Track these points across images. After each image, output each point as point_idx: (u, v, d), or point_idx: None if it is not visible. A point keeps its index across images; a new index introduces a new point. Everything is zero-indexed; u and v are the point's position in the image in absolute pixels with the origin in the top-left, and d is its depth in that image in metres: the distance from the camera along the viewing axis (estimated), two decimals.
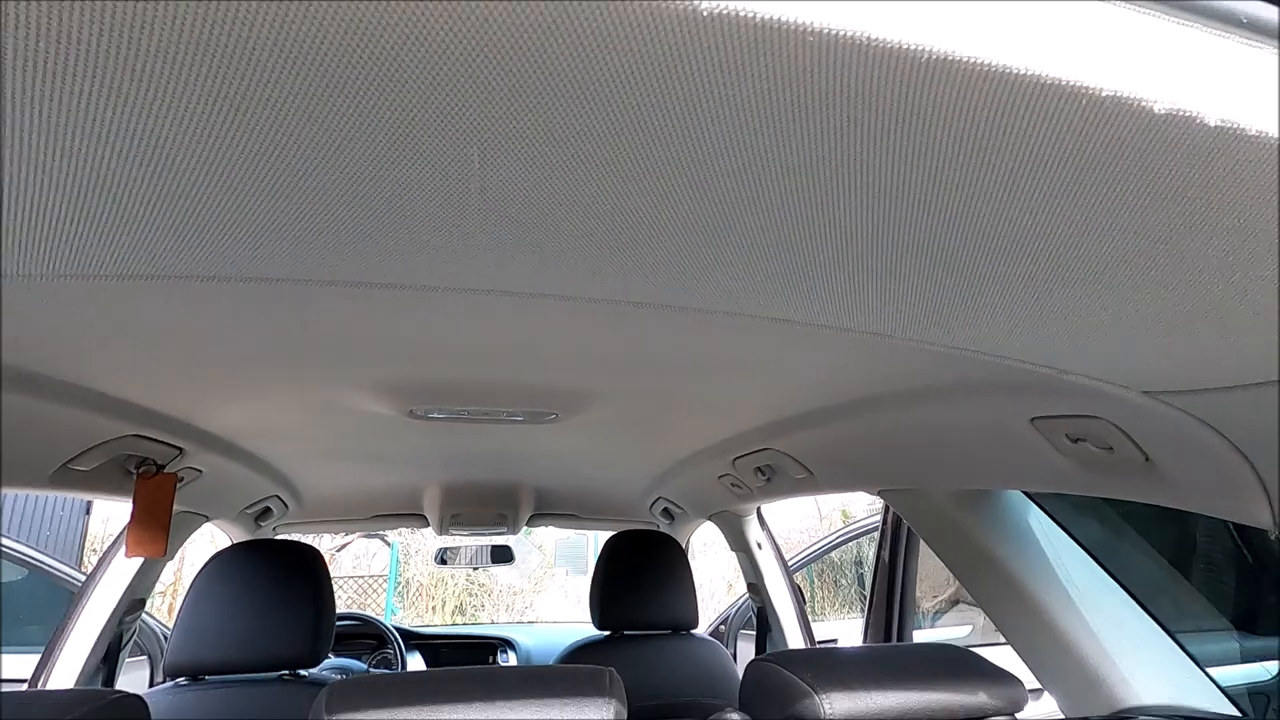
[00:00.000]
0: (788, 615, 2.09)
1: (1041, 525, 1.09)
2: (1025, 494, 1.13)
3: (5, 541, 2.45)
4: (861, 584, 7.04)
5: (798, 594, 2.11)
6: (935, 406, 0.95)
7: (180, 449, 1.31)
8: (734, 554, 2.19)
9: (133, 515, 1.30)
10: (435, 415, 1.22)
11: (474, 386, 1.08)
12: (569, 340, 0.85)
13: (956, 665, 0.81)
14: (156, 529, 1.32)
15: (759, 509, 2.06)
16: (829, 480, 1.36)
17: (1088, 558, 1.05)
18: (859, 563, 6.95)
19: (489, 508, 2.34)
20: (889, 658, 0.86)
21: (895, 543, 1.92)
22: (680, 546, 1.96)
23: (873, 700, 0.74)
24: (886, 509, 1.94)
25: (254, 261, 0.56)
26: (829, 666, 0.79)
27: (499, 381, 1.05)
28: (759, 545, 2.08)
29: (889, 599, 1.92)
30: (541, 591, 8.97)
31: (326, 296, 0.66)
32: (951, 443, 0.99)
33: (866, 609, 2.01)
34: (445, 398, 1.13)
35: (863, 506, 9.06)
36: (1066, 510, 1.12)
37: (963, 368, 0.80)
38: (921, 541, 1.96)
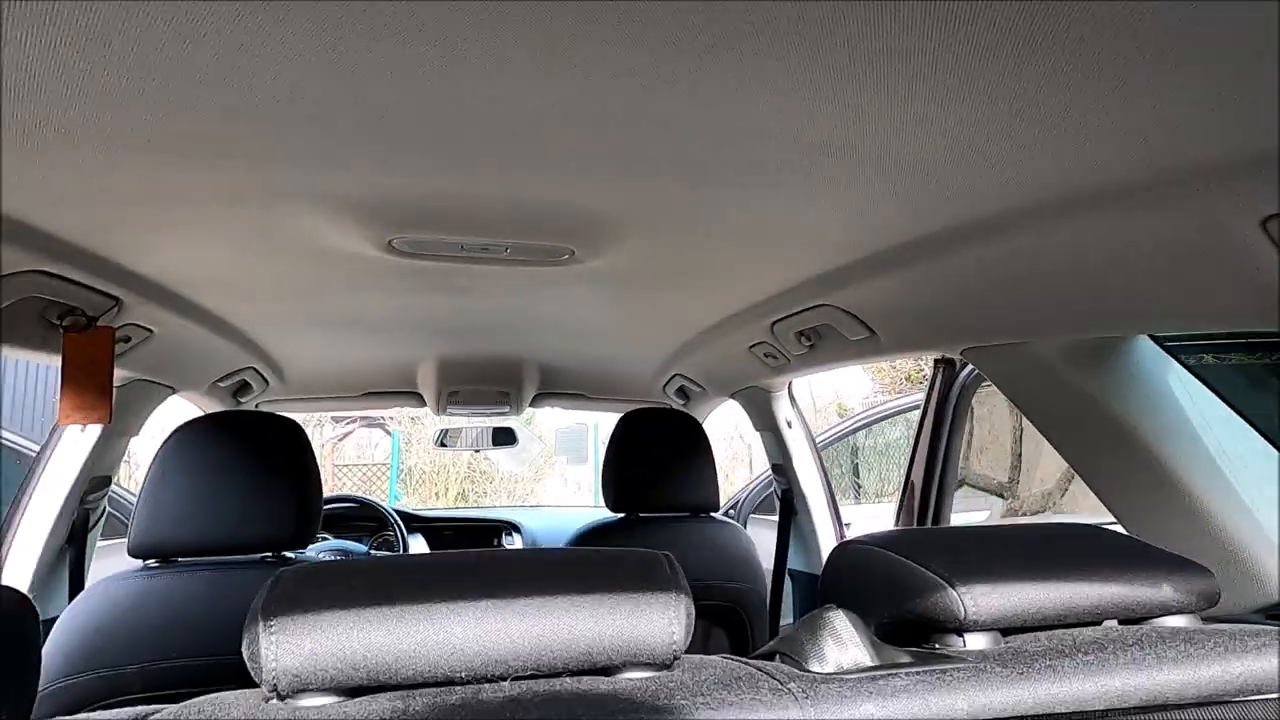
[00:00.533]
0: (817, 499, 1.95)
1: (1184, 384, 0.88)
2: (1161, 346, 0.92)
3: None
4: (857, 473, 7.15)
5: (826, 475, 1.97)
6: (1068, 225, 0.72)
7: (116, 299, 1.08)
8: (758, 435, 2.03)
9: (63, 376, 1.08)
10: (423, 251, 0.98)
11: (469, 205, 0.83)
12: (589, 135, 0.61)
13: (1124, 552, 0.63)
14: (95, 392, 1.10)
15: (790, 384, 1.87)
16: (897, 340, 1.14)
17: (1245, 425, 0.85)
18: (854, 451, 7.02)
19: (489, 384, 2.15)
20: (1032, 542, 0.67)
21: (940, 420, 1.74)
22: (700, 425, 1.78)
23: (1028, 596, 0.56)
24: (933, 383, 1.75)
25: None
26: (959, 551, 0.60)
27: (498, 198, 0.80)
28: (788, 424, 1.91)
29: (928, 481, 1.77)
30: (542, 480, 9.10)
31: (265, 44, 0.46)
32: (1091, 274, 0.76)
33: (902, 492, 1.87)
34: (433, 223, 0.88)
35: (858, 399, 9.10)
36: (1217, 370, 0.92)
37: (1136, 154, 0.57)
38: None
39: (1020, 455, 3.37)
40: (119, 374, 1.28)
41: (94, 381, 1.10)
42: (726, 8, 0.43)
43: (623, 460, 1.69)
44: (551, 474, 9.17)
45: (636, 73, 0.51)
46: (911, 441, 1.90)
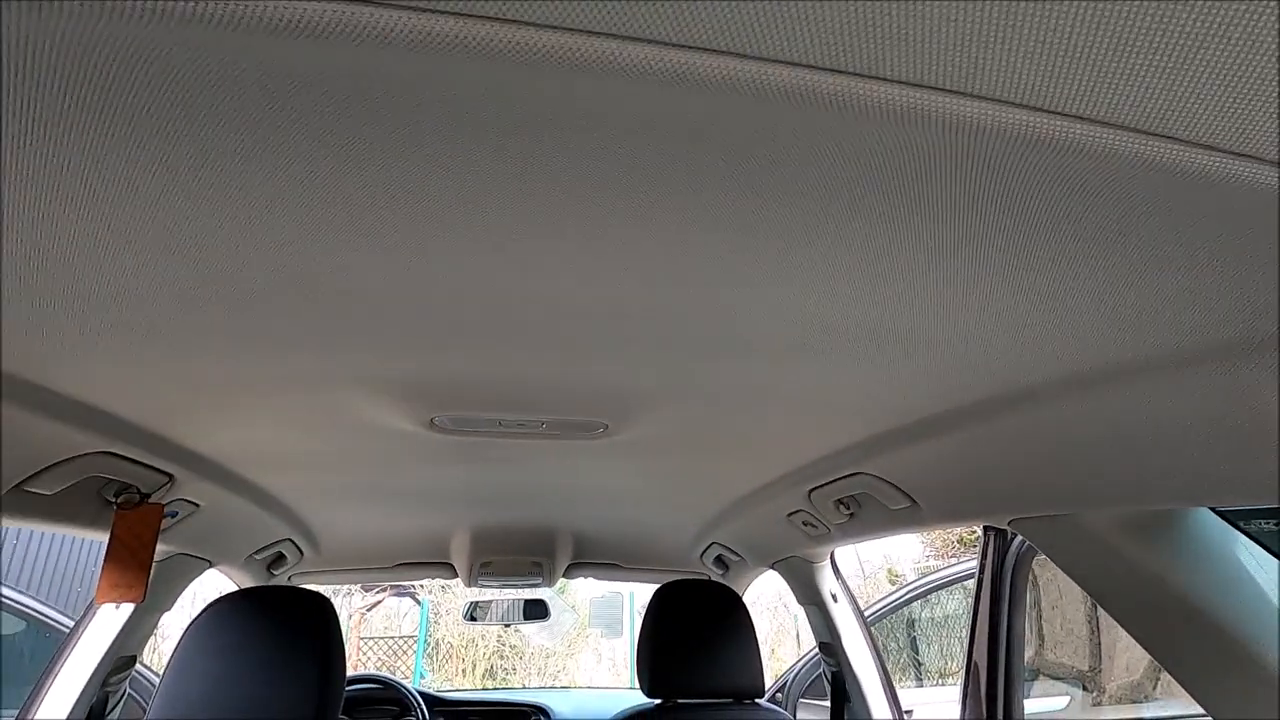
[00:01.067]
0: (871, 682, 1.79)
1: (1253, 555, 0.82)
2: (1221, 516, 0.87)
3: (9, 593, 2.28)
4: (915, 649, 6.55)
5: (879, 654, 1.82)
6: (1106, 396, 0.72)
7: (169, 475, 1.13)
8: (802, 608, 1.91)
9: (108, 552, 1.10)
10: (463, 428, 1.02)
11: (507, 386, 0.87)
12: (625, 322, 0.66)
13: None
14: (136, 569, 1.12)
15: (832, 554, 1.79)
16: (940, 510, 1.11)
17: None
18: (911, 624, 6.48)
19: (523, 554, 2.10)
20: None
21: (998, 593, 1.62)
22: (741, 599, 1.69)
23: None
24: (985, 552, 1.66)
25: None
26: None
27: (536, 378, 0.84)
28: (833, 597, 1.80)
29: (992, 664, 1.62)
30: (575, 654, 8.54)
31: (331, 248, 0.52)
32: (1134, 445, 0.75)
33: (965, 674, 1.70)
34: (472, 402, 0.93)
35: (909, 565, 8.57)
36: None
37: (1167, 329, 0.58)
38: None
39: (1098, 638, 3.07)
40: (159, 548, 1.30)
41: (136, 558, 1.11)
42: (762, 207, 0.47)
43: (658, 640, 1.60)
44: (585, 647, 8.62)
45: (674, 267, 0.55)
46: (970, 614, 1.77)
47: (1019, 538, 1.63)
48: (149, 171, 0.42)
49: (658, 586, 1.68)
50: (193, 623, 1.20)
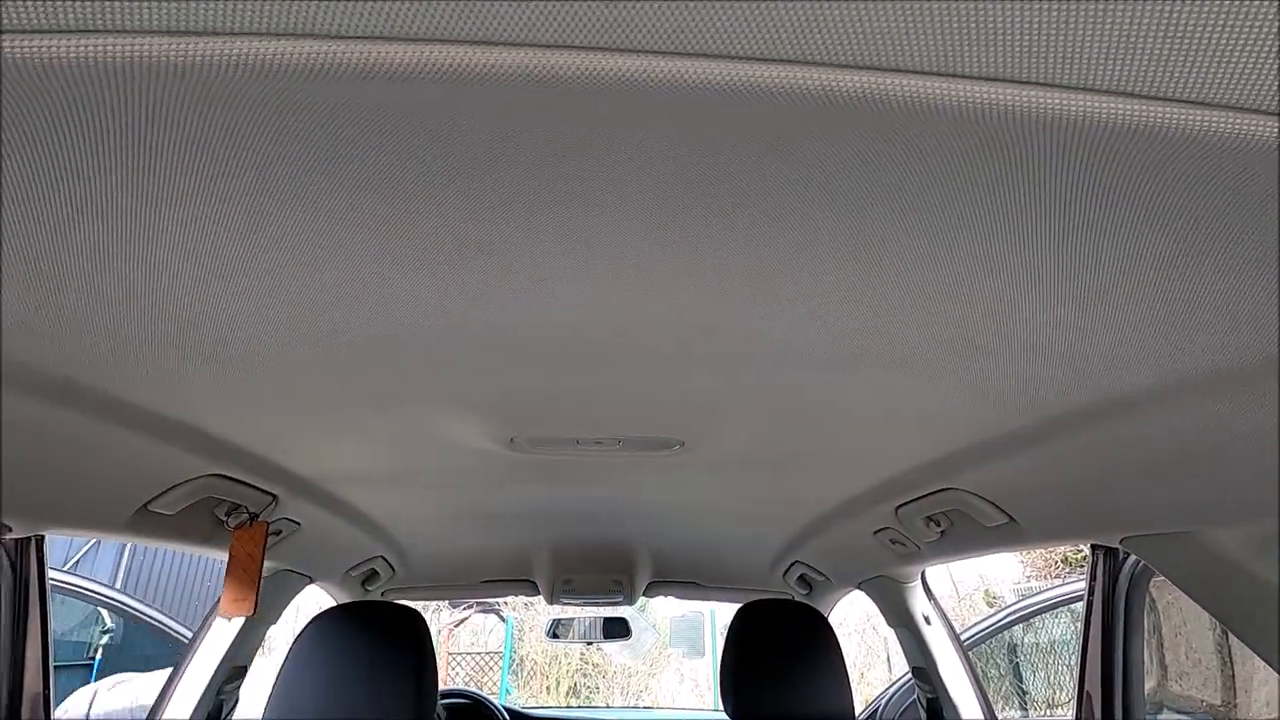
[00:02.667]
0: (970, 709, 1.69)
1: None
2: None
3: (138, 606, 2.48)
4: (1018, 674, 6.16)
5: (979, 681, 1.71)
6: (1225, 401, 0.66)
7: (273, 495, 1.20)
8: (892, 631, 1.83)
9: (227, 570, 1.19)
10: (541, 447, 1.04)
11: (583, 405, 0.89)
12: (703, 338, 0.65)
13: None
14: (248, 584, 1.20)
15: (924, 574, 1.71)
16: (1042, 528, 1.04)
17: None
18: (1012, 649, 6.10)
19: (603, 573, 2.12)
20: None
21: (1110, 618, 1.50)
22: (825, 620, 1.64)
23: None
24: (1093, 573, 1.54)
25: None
26: None
27: (611, 397, 0.85)
28: (926, 619, 1.72)
29: (1108, 695, 1.49)
30: (657, 674, 8.48)
31: (418, 284, 0.55)
32: (1262, 453, 0.68)
33: (1076, 705, 1.58)
34: (550, 421, 0.94)
35: (1008, 586, 8.06)
36: None
37: None
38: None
39: (1231, 669, 2.78)
40: (266, 564, 1.39)
41: (248, 574, 1.19)
42: (833, 218, 0.45)
43: (742, 662, 1.56)
44: (667, 667, 8.55)
45: (746, 283, 0.54)
46: (1080, 640, 1.65)
47: (1132, 557, 1.51)
48: (253, 219, 0.45)
49: (739, 606, 1.65)
50: (300, 635, 1.28)
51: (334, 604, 1.93)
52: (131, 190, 0.42)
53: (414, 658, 1.27)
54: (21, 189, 0.42)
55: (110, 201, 0.43)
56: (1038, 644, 5.99)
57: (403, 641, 1.28)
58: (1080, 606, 1.79)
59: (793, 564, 1.95)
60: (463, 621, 8.67)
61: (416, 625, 1.32)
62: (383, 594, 2.13)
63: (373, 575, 1.95)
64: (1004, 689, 5.86)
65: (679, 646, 7.33)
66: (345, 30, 0.32)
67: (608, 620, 2.86)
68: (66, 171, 0.40)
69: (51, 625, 1.22)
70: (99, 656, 5.63)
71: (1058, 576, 7.10)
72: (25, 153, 0.38)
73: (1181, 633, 2.91)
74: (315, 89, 0.34)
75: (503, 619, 8.51)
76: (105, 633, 5.59)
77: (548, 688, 8.06)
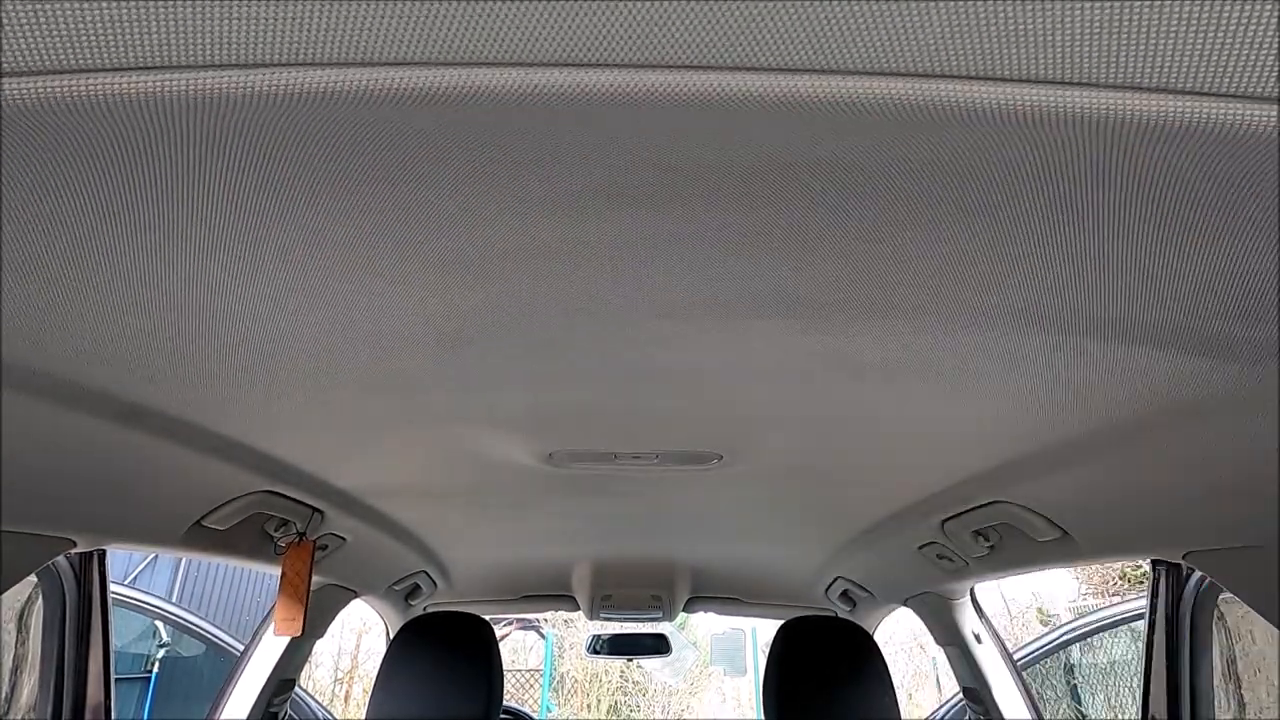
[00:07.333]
0: None
1: None
2: None
3: (192, 619, 2.56)
4: (1075, 696, 5.90)
5: (1034, 702, 1.65)
6: None
7: (320, 511, 1.23)
8: (940, 650, 1.78)
9: (280, 588, 1.22)
10: (579, 461, 1.04)
11: (620, 421, 0.89)
12: (739, 355, 0.65)
13: None
14: (297, 604, 1.22)
15: (973, 590, 1.66)
16: (1097, 542, 1.00)
17: None
18: (1070, 670, 5.85)
19: (642, 589, 2.11)
20: None
21: (1175, 637, 1.43)
22: (870, 637, 1.60)
23: None
24: (1155, 590, 1.47)
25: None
26: None
27: (648, 412, 0.85)
28: (977, 638, 1.66)
29: (1175, 716, 1.42)
30: (697, 693, 8.38)
31: (459, 299, 0.56)
32: None
33: None
34: (587, 436, 0.95)
35: (1063, 603, 7.75)
36: None
37: None
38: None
39: None
40: (314, 579, 1.43)
41: (297, 593, 1.22)
42: (869, 234, 0.45)
43: (785, 681, 1.53)
44: (708, 685, 8.44)
45: (781, 297, 0.54)
46: (1143, 660, 1.57)
47: (1196, 573, 1.44)
48: (303, 240, 0.47)
49: (781, 623, 1.62)
50: (394, 640, 1.46)
51: (380, 620, 1.98)
52: (193, 225, 0.44)
53: (486, 664, 1.44)
54: (85, 224, 0.44)
55: (170, 240, 0.46)
56: (1096, 664, 5.74)
57: (477, 648, 1.46)
58: (1141, 625, 1.71)
59: (835, 579, 1.91)
60: (503, 638, 8.71)
61: (485, 633, 1.49)
62: (425, 609, 2.15)
63: (415, 590, 1.97)
64: (1061, 711, 5.62)
65: (720, 665, 7.22)
66: (431, 58, 0.33)
67: (648, 637, 2.84)
68: (125, 207, 0.42)
69: (112, 637, 1.27)
70: (156, 670, 5.81)
71: (1115, 594, 6.81)
72: (86, 189, 0.40)
73: (1261, 669, 2.74)
74: (378, 113, 0.35)
75: (542, 635, 8.51)
76: (162, 646, 5.77)
77: (588, 705, 8.02)
